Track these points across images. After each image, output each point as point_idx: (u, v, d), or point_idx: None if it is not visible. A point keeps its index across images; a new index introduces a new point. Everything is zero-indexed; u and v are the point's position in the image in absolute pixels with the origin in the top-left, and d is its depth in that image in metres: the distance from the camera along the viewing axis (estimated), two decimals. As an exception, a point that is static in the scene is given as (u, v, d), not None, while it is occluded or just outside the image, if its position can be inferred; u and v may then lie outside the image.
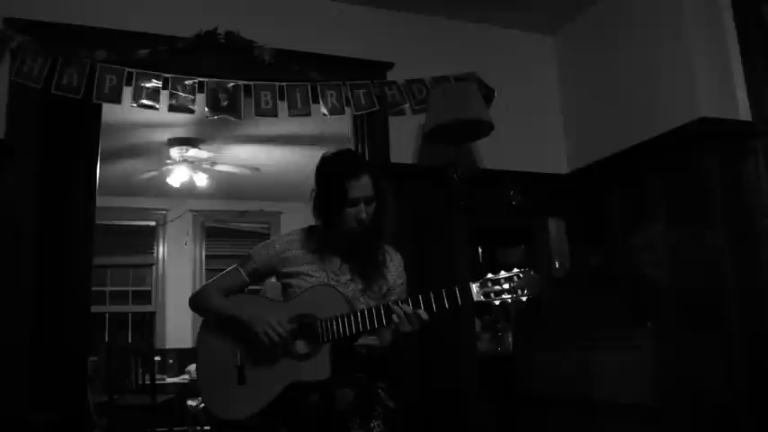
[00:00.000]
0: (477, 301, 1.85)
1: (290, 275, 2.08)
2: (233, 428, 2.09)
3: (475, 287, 1.84)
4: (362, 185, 1.97)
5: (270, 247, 2.12)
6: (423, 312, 1.85)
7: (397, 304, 1.88)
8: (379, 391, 2.04)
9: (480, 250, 3.72)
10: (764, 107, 3.14)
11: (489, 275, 1.86)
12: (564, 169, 4.00)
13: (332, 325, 1.91)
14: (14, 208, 2.87)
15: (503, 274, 1.85)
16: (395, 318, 1.86)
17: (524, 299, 1.84)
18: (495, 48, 4.01)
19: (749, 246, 3.02)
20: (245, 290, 2.17)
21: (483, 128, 3.35)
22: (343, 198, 1.95)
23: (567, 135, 4.07)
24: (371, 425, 1.95)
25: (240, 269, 2.12)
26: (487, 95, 3.65)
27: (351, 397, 1.96)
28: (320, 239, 2.08)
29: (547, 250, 3.58)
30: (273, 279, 2.20)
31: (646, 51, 3.47)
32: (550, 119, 4.09)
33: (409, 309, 1.86)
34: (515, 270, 1.85)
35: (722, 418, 2.64)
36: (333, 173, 2.00)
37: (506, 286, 1.83)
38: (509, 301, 1.84)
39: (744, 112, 3.14)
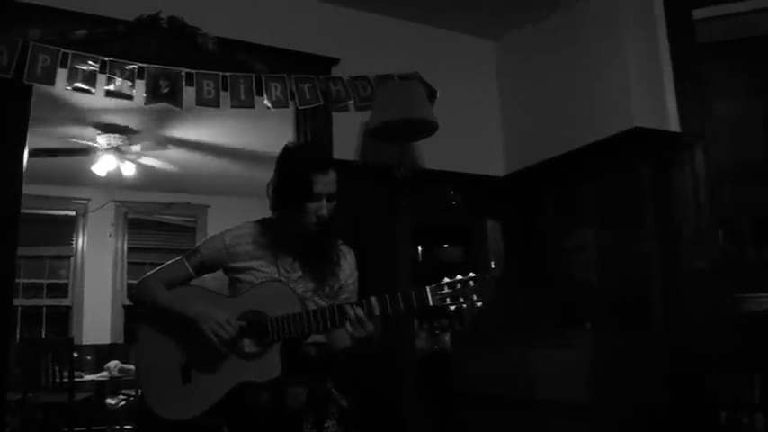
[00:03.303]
0: (432, 306, 1.80)
1: (238, 270, 2.00)
2: (173, 428, 2.01)
3: (430, 291, 1.80)
4: (328, 181, 1.91)
5: (218, 241, 2.03)
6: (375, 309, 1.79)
7: (352, 306, 1.81)
8: (332, 389, 1.99)
9: (420, 248, 3.75)
10: (692, 120, 3.31)
11: (445, 279, 1.81)
12: (502, 172, 4.08)
13: (283, 324, 1.84)
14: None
15: (458, 278, 1.81)
16: (348, 321, 1.80)
17: (479, 304, 1.80)
18: (439, 49, 4.05)
19: (675, 250, 3.19)
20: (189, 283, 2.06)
21: (427, 128, 3.37)
22: (307, 191, 1.88)
23: (505, 138, 4.15)
24: (326, 425, 1.90)
25: (186, 261, 2.02)
26: (430, 96, 3.68)
27: (303, 396, 1.89)
28: (274, 234, 2.01)
29: (484, 250, 3.65)
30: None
31: (584, 61, 3.59)
32: (489, 122, 4.16)
33: (362, 312, 1.79)
34: (471, 274, 1.81)
35: (650, 419, 2.75)
36: (300, 164, 1.91)
37: (462, 291, 1.79)
38: (464, 306, 1.80)
39: (674, 124, 3.31)
